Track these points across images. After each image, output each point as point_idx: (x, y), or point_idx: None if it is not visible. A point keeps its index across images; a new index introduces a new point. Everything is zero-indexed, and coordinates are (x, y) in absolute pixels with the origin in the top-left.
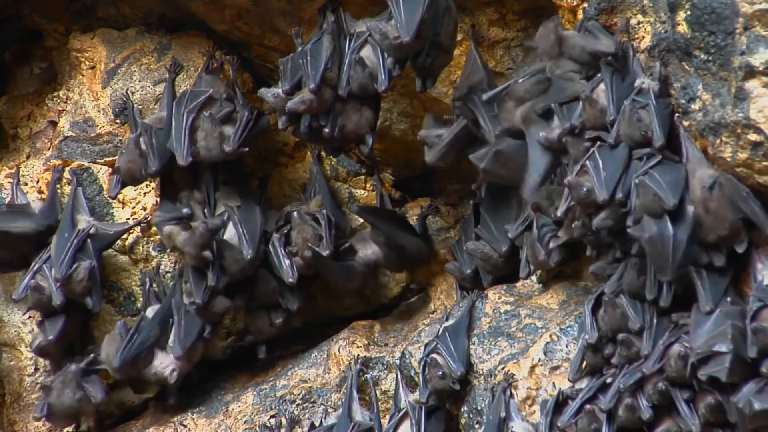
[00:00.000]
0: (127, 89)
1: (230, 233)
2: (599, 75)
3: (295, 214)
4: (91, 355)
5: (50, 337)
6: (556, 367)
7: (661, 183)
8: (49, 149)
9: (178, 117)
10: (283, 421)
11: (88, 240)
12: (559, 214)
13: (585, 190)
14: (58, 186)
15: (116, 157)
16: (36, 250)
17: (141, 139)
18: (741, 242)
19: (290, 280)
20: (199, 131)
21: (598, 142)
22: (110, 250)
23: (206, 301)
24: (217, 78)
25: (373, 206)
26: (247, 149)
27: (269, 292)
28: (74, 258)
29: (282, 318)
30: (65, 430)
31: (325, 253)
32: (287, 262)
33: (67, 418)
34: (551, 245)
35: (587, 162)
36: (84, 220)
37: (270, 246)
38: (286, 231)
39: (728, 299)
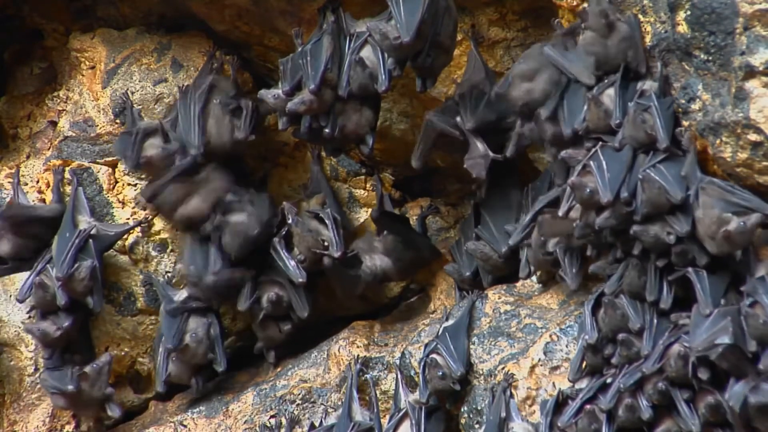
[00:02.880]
0: (127, 89)
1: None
2: (609, 78)
3: (290, 220)
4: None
5: (65, 324)
6: (556, 367)
7: (667, 176)
8: (49, 149)
9: (185, 107)
10: (283, 421)
11: (90, 240)
12: (561, 214)
13: (588, 190)
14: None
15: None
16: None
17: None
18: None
19: (300, 280)
20: (210, 119)
21: (601, 142)
22: (110, 250)
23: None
24: (221, 75)
25: (388, 211)
26: (254, 137)
27: (281, 310)
28: (76, 257)
29: (290, 324)
30: (65, 430)
31: (337, 254)
32: (292, 263)
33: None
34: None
35: (590, 162)
36: (85, 221)
37: (272, 251)
38: (284, 233)
39: (728, 301)
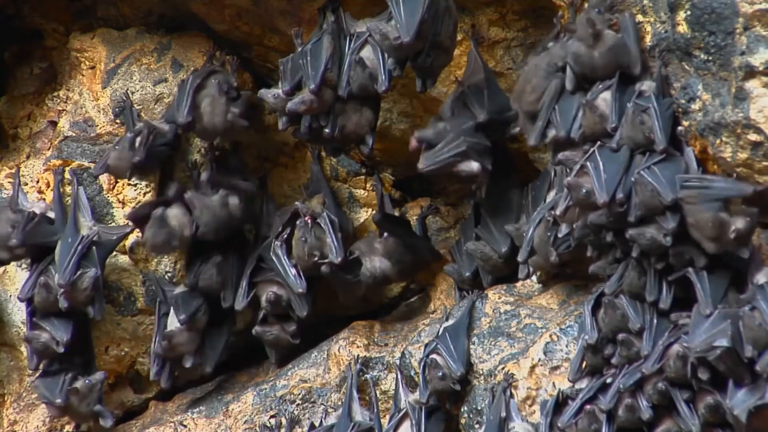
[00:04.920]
0: (127, 89)
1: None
2: (604, 83)
3: (298, 221)
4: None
5: (65, 338)
6: (556, 367)
7: (660, 178)
8: (49, 149)
9: (182, 89)
10: (283, 421)
11: (93, 247)
12: (557, 213)
13: (584, 191)
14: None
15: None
16: None
17: (137, 138)
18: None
19: (300, 290)
20: (206, 98)
21: (599, 143)
22: None
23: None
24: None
25: (390, 214)
26: (246, 124)
27: (280, 309)
28: (78, 264)
29: (295, 326)
30: (65, 430)
31: (338, 260)
32: (293, 271)
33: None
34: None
35: (587, 163)
36: (87, 226)
37: (272, 255)
38: (285, 236)
39: (728, 301)
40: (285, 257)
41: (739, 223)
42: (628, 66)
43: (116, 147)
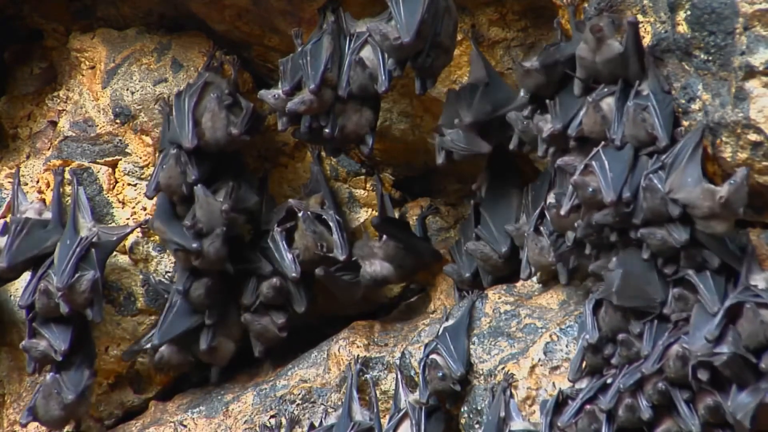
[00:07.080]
0: (127, 89)
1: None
2: (609, 87)
3: (300, 214)
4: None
5: (63, 348)
6: (556, 367)
7: None
8: (49, 149)
9: (179, 104)
10: (283, 421)
11: (92, 249)
12: (563, 213)
13: (591, 189)
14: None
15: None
16: None
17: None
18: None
19: (293, 274)
20: (206, 113)
21: (603, 142)
22: None
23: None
24: (218, 74)
25: (390, 217)
26: (248, 138)
27: (281, 298)
28: (76, 267)
29: (284, 319)
30: (65, 430)
31: (342, 257)
32: (289, 256)
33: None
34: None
35: (592, 162)
36: (86, 227)
37: (270, 241)
38: (288, 226)
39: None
40: (283, 242)
41: (724, 189)
42: (632, 74)
43: (163, 166)
